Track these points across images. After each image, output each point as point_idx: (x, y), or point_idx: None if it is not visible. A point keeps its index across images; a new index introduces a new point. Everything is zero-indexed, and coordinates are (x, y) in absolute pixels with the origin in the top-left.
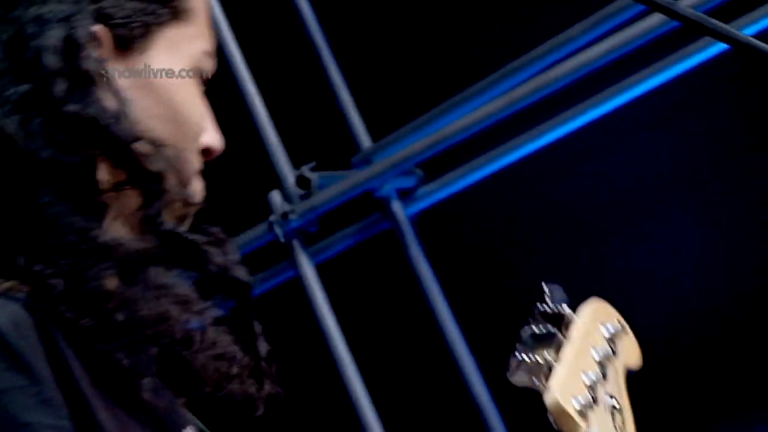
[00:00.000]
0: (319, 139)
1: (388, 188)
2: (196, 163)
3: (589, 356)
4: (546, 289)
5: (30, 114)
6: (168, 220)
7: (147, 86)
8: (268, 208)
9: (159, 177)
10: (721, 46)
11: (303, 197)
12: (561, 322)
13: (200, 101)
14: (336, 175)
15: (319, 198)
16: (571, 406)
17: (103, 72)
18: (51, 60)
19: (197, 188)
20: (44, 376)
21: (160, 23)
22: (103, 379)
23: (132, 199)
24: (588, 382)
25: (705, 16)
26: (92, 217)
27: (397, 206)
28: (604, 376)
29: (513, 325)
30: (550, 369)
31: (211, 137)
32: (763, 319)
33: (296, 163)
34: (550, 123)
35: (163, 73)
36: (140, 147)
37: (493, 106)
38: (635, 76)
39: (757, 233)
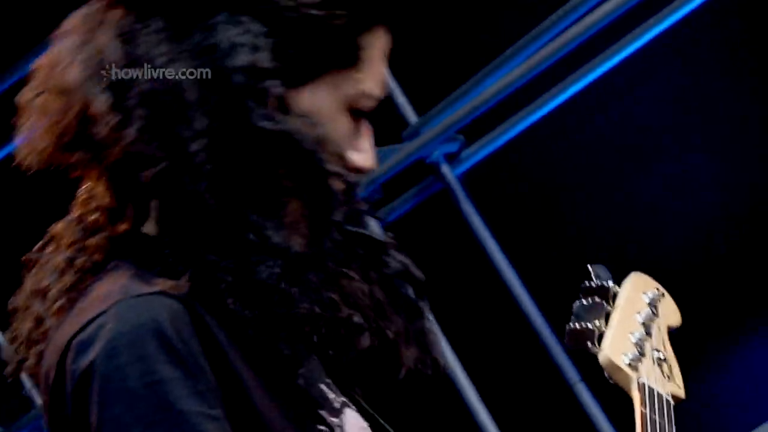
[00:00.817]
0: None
1: (436, 154)
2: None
3: (634, 319)
4: (591, 269)
5: (217, 122)
6: (339, 219)
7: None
8: None
9: (329, 184)
10: None
11: None
12: (607, 295)
13: (345, 130)
14: (391, 148)
15: (379, 169)
16: (622, 362)
17: (279, 95)
18: (239, 78)
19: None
20: (198, 369)
21: (329, 69)
22: (262, 366)
23: (300, 206)
24: (634, 340)
25: None
26: (268, 219)
27: (446, 169)
28: (649, 334)
29: (558, 260)
30: (600, 334)
31: (357, 157)
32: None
33: None
34: (567, 81)
35: (311, 105)
36: (323, 158)
37: (516, 73)
38: (639, 28)
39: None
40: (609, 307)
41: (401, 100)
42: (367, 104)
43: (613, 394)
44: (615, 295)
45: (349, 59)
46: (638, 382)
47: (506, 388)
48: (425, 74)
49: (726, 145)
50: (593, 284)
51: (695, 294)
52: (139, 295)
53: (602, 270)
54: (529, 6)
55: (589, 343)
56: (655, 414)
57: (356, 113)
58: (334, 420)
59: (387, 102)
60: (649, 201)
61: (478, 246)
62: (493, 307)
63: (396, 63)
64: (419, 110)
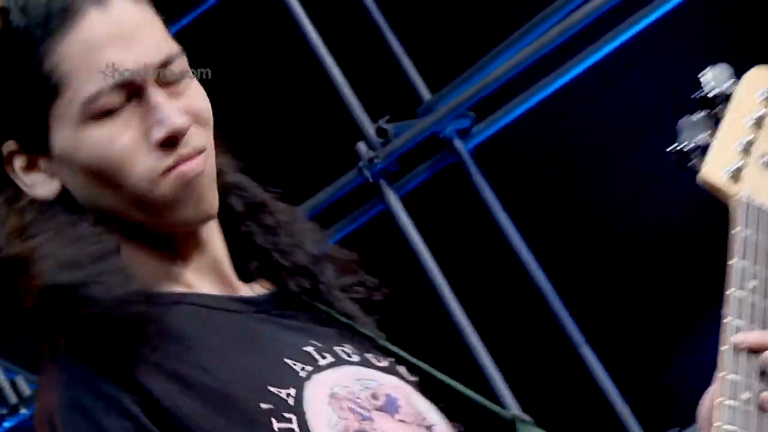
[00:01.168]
0: (390, 97)
1: (449, 130)
2: (157, 168)
3: (743, 123)
4: (707, 72)
5: None
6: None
7: (66, 164)
8: (355, 158)
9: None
10: None
11: (383, 144)
12: (718, 102)
13: (110, 136)
14: (406, 123)
15: (396, 143)
16: (720, 178)
17: (13, 200)
18: None
19: (167, 186)
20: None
21: (40, 114)
22: (172, 370)
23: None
24: (740, 148)
25: None
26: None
27: (458, 143)
28: (759, 136)
29: (566, 228)
30: (705, 148)
31: (156, 132)
32: None
33: (374, 118)
34: (574, 60)
35: (62, 150)
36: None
37: (525, 53)
38: (650, 5)
39: None
40: (719, 115)
41: (416, 78)
42: (104, 101)
43: (616, 356)
44: (728, 100)
45: (47, 97)
46: (738, 198)
47: (517, 353)
48: (439, 54)
49: None
50: (704, 92)
51: (706, 263)
52: (43, 401)
53: (721, 71)
54: None
55: (690, 163)
56: (755, 231)
57: (105, 113)
58: (284, 391)
59: (402, 80)
60: (658, 173)
61: (488, 216)
62: (503, 275)
63: (411, 43)
64: (433, 88)
